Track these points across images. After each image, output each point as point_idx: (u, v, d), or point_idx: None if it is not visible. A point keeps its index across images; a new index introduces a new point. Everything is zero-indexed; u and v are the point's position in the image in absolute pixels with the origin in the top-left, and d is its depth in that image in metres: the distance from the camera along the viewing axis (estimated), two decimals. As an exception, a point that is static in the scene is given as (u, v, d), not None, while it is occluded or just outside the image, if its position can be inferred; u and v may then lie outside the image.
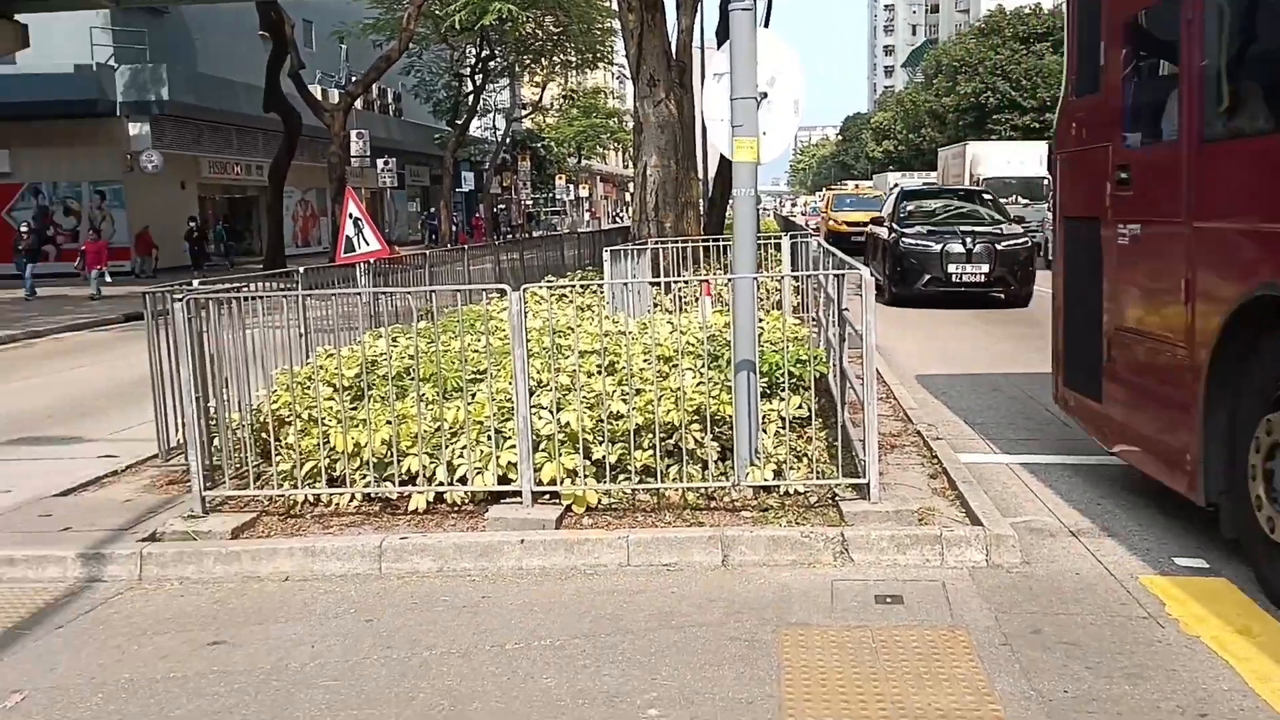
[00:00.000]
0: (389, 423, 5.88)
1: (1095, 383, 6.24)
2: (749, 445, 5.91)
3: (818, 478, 5.93)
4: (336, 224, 16.43)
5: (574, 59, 44.68)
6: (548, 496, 5.80)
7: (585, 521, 5.68)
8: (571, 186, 67.08)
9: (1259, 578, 4.70)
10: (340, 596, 5.05)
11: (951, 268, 16.52)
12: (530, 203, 61.43)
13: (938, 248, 16.69)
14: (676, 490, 5.91)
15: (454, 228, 43.65)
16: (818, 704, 3.78)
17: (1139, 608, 4.59)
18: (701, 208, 20.23)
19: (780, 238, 13.66)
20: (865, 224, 22.57)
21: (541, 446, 5.78)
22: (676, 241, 12.88)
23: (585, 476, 5.74)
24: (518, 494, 5.75)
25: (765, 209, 48.77)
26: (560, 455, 5.74)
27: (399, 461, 5.85)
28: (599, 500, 5.82)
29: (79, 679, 4.23)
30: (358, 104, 32.72)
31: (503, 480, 5.78)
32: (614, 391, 5.93)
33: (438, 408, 5.99)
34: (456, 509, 5.89)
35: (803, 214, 57.47)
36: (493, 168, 52.55)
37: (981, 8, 77.54)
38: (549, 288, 7.62)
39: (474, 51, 41.31)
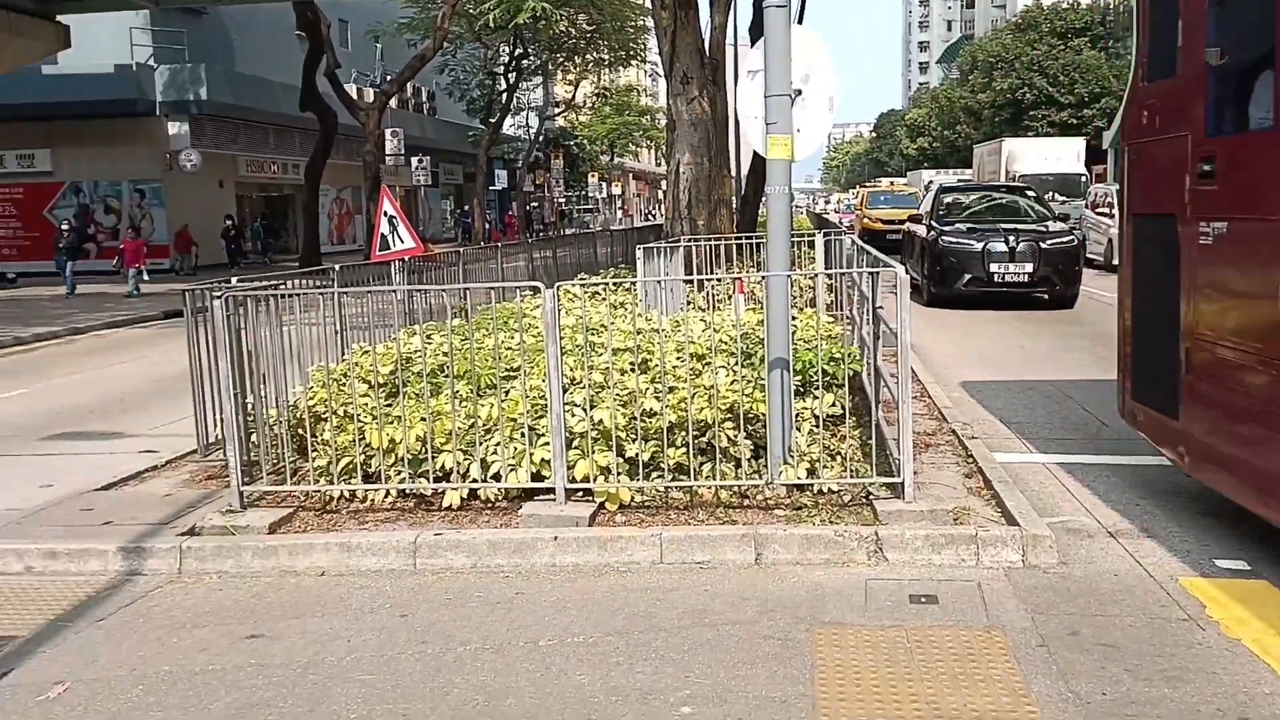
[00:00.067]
0: (423, 419, 5.92)
1: (1170, 397, 5.65)
2: (782, 443, 5.89)
3: (851, 476, 5.90)
4: (371, 222, 16.57)
5: (607, 57, 44.75)
6: (581, 494, 5.82)
7: (618, 519, 5.69)
8: (604, 184, 67.15)
9: None
10: (375, 591, 5.09)
11: (993, 267, 15.85)
12: (563, 200, 61.55)
13: (979, 246, 16.00)
14: (709, 488, 5.91)
15: (487, 225, 43.84)
16: (852, 703, 3.77)
17: (1179, 609, 4.53)
18: (734, 205, 20.18)
19: (814, 235, 13.61)
20: (901, 222, 22.35)
21: (575, 444, 5.80)
22: (709, 239, 12.87)
23: (618, 474, 5.75)
24: (551, 491, 5.77)
25: (798, 206, 48.58)
26: (593, 453, 5.75)
27: (433, 458, 5.89)
28: (632, 498, 5.82)
29: (120, 671, 4.29)
30: (392, 103, 32.98)
31: (536, 477, 5.80)
32: (647, 389, 5.93)
33: (472, 405, 6.02)
34: (490, 506, 5.92)
35: (836, 211, 57.24)
36: (526, 165, 52.72)
37: (1018, 3, 76.72)
38: (582, 285, 7.64)
39: (507, 50, 41.46)
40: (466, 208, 49.11)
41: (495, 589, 5.06)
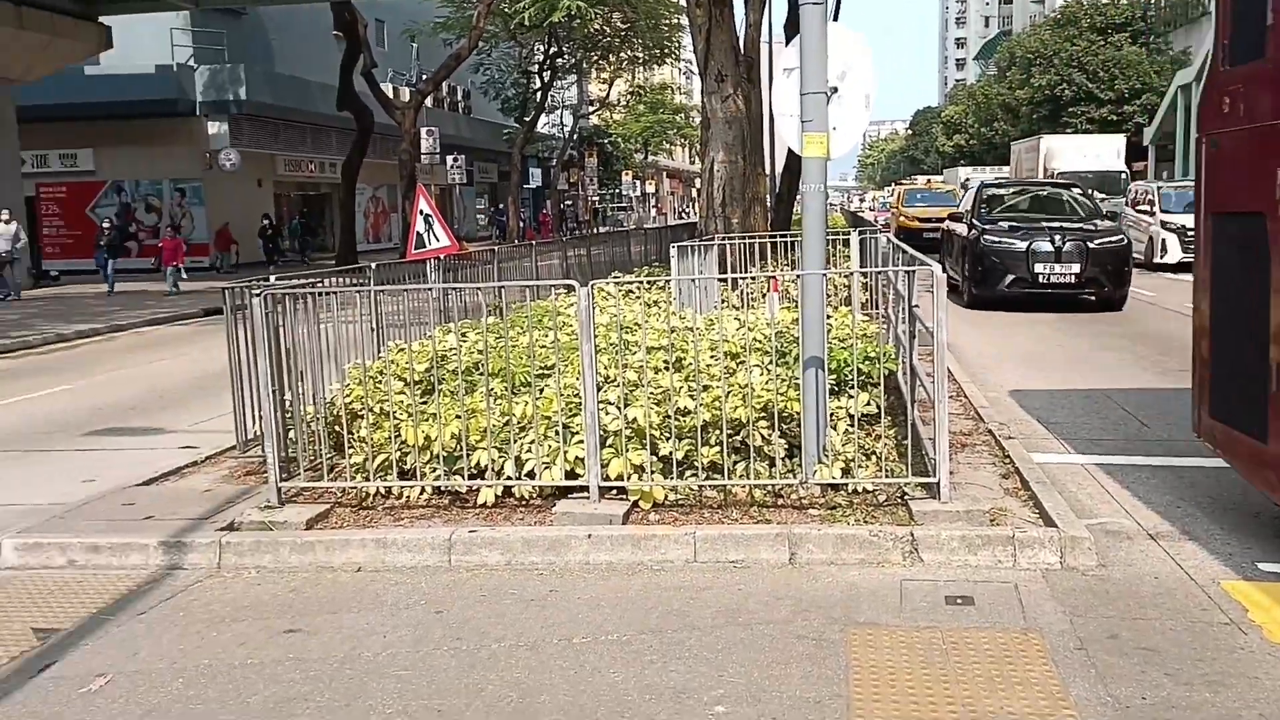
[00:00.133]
0: (458, 417, 5.95)
1: (1258, 416, 5.08)
2: (817, 442, 5.87)
3: (886, 476, 5.87)
4: (407, 220, 16.67)
5: (641, 55, 44.76)
6: (614, 492, 5.83)
7: (652, 517, 5.69)
8: (638, 182, 67.15)
9: None
10: (411, 588, 5.13)
11: (1038, 267, 15.22)
12: (597, 199, 61.63)
13: (1023, 245, 15.38)
14: (743, 487, 5.90)
15: (521, 224, 43.99)
16: (886, 704, 3.75)
17: (1220, 613, 4.47)
18: (768, 203, 20.12)
19: (849, 234, 13.54)
20: (937, 220, 22.09)
21: (609, 442, 5.81)
22: (744, 237, 12.85)
23: (652, 472, 5.75)
24: (585, 489, 5.78)
25: (832, 204, 48.39)
26: (627, 451, 5.75)
27: (468, 455, 5.92)
28: (665, 496, 5.83)
29: (160, 664, 4.35)
30: (428, 102, 33.18)
31: (570, 475, 5.82)
32: (681, 388, 5.93)
33: (506, 402, 6.05)
34: (524, 503, 5.94)
35: (870, 210, 56.88)
36: (560, 164, 52.86)
37: (1057, -2, 75.81)
38: (617, 284, 7.65)
39: (542, 48, 41.59)
40: (501, 206, 49.33)
41: (529, 586, 5.08)
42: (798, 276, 6.30)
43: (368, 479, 6.10)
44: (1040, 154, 36.64)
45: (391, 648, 4.42)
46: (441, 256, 10.48)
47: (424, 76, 34.18)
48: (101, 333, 17.58)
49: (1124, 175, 34.32)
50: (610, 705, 3.83)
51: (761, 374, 6.09)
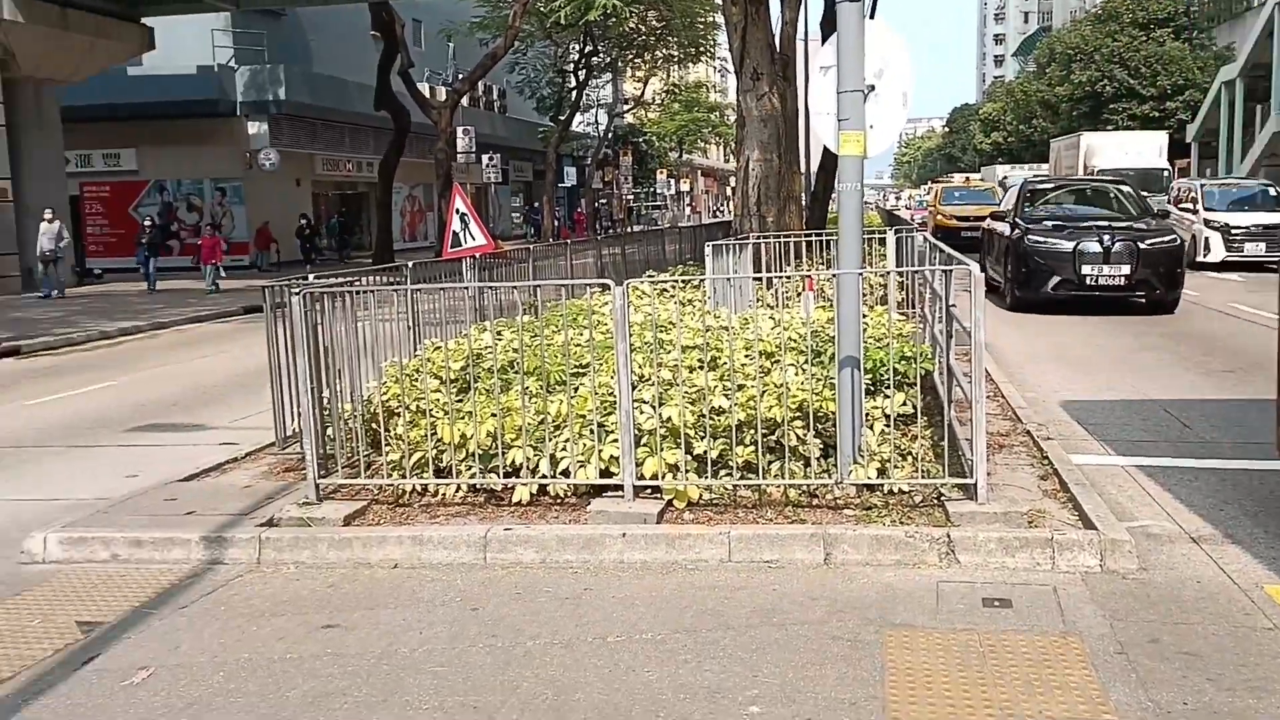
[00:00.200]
0: (494, 415, 5.98)
1: None
2: (852, 443, 5.84)
3: (923, 477, 5.83)
4: (443, 219, 16.76)
5: (676, 53, 44.71)
6: (649, 491, 5.83)
7: (686, 516, 5.69)
8: (672, 181, 67.13)
9: None
10: (446, 585, 5.16)
11: (1086, 269, 14.56)
12: (631, 197, 61.67)
13: (1070, 246, 14.70)
14: (778, 487, 5.88)
15: (556, 222, 44.11)
16: (923, 707, 3.72)
17: (1264, 618, 4.40)
18: (804, 202, 20.02)
19: (885, 232, 13.46)
20: (976, 219, 21.83)
21: (643, 441, 5.81)
22: (779, 236, 12.81)
23: (686, 472, 5.75)
24: (619, 488, 5.79)
25: (868, 203, 48.05)
26: (662, 450, 5.76)
27: (503, 453, 5.95)
28: (700, 495, 5.82)
29: (201, 657, 4.42)
30: (464, 101, 33.31)
31: (605, 474, 5.83)
32: (716, 387, 5.92)
33: (541, 401, 6.07)
34: (559, 501, 5.96)
35: (907, 208, 56.47)
36: (594, 163, 52.93)
37: (1098, -7, 74.84)
38: (651, 282, 7.65)
39: (577, 47, 41.67)
40: (536, 204, 49.50)
41: (564, 584, 5.10)
42: (834, 275, 6.27)
43: (404, 476, 6.14)
44: (1080, 151, 36.20)
45: (428, 644, 4.45)
46: (477, 255, 10.54)
47: (460, 76, 34.36)
48: (144, 330, 17.84)
49: (1166, 173, 33.81)
50: (645, 704, 3.84)
51: (797, 373, 6.07)
